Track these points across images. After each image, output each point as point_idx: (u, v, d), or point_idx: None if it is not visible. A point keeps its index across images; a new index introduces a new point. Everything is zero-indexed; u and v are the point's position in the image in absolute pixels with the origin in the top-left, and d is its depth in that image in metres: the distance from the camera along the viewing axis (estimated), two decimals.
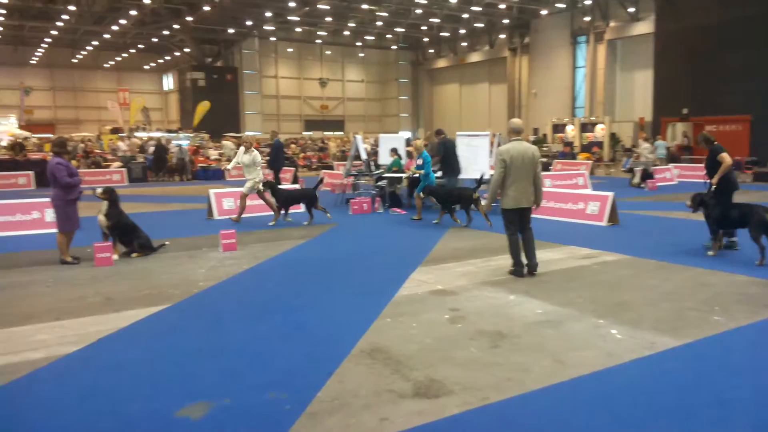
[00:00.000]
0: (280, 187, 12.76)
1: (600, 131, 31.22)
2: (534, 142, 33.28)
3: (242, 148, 12.69)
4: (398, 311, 6.08)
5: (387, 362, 4.74)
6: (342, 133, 51.39)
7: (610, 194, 11.76)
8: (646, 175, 18.42)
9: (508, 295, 6.59)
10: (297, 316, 5.96)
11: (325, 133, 49.30)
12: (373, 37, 50.89)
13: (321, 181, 13.34)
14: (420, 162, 12.23)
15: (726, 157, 8.63)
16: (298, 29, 46.75)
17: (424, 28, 47.05)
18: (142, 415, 3.90)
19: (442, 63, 53.97)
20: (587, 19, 38.05)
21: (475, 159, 14.09)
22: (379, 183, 14.38)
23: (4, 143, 28.15)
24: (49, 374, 4.60)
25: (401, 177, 13.71)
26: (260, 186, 12.05)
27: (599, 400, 4.07)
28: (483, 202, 8.94)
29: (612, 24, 36.96)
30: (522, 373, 4.49)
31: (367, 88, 59.47)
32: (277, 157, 16.00)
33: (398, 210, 13.69)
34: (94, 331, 5.55)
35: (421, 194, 12.26)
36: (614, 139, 32.06)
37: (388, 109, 59.62)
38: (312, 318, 5.92)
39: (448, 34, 49.12)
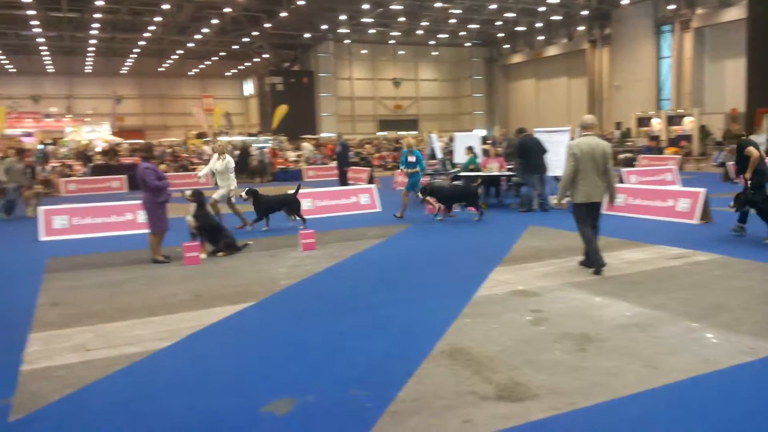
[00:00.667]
0: (261, 194, 11.96)
1: (688, 124, 29.61)
2: (620, 137, 32.02)
3: (215, 155, 12.08)
4: (478, 312, 5.99)
5: (468, 363, 4.67)
6: (416, 132, 51.40)
7: (702, 190, 11.13)
8: None
9: (593, 297, 6.36)
10: (376, 315, 6.00)
11: (399, 132, 49.50)
12: (446, 35, 50.59)
13: (300, 187, 12.41)
14: (413, 159, 12.49)
15: (753, 151, 8.62)
16: (372, 30, 47.15)
17: (498, 23, 46.31)
18: (230, 409, 4.04)
19: (517, 58, 52.92)
20: (672, 7, 36.21)
21: (555, 156, 13.68)
22: (455, 182, 14.24)
23: (99, 149, 29.99)
24: (144, 368, 4.85)
25: (477, 175, 13.54)
26: (242, 193, 11.51)
27: (696, 408, 3.85)
28: (554, 200, 8.67)
29: (699, 11, 35.00)
30: (611, 378, 4.31)
31: (440, 87, 59.22)
32: (344, 157, 16.16)
33: (474, 209, 13.51)
34: (184, 327, 5.80)
35: (420, 194, 12.48)
36: (704, 132, 30.29)
37: (463, 107, 59.10)
38: (391, 316, 5.94)
39: (523, 29, 48.12)
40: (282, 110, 42.54)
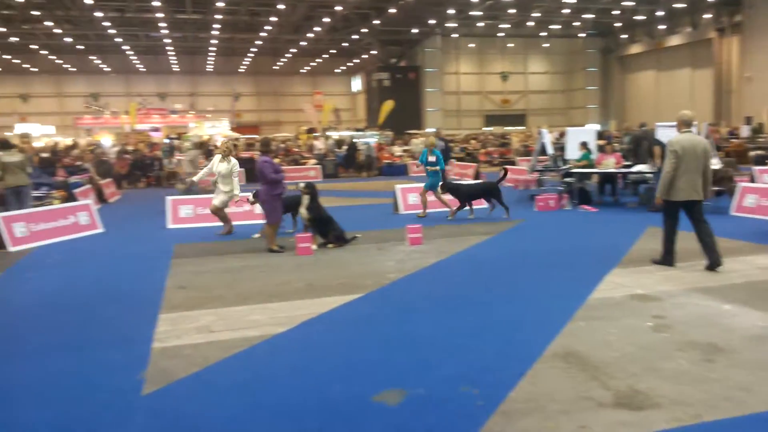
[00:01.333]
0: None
1: None
2: (750, 133, 29.50)
3: (217, 156, 11.04)
4: (593, 315, 5.75)
5: (583, 367, 4.50)
6: (524, 127, 50.15)
7: None
8: None
9: (721, 305, 5.90)
10: (486, 313, 5.93)
11: (506, 128, 48.50)
12: (558, 26, 48.84)
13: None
14: (433, 159, 12.11)
15: None
16: (480, 24, 46.47)
17: (615, 12, 44.02)
18: (343, 396, 4.15)
19: (635, 49, 50.09)
20: None
21: None
22: (567, 179, 13.76)
23: (218, 143, 31.81)
24: (263, 351, 5.10)
25: (591, 172, 12.98)
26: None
27: None
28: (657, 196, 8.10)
29: None
30: (743, 392, 3.99)
31: (551, 80, 57.33)
32: (444, 153, 15.92)
33: (588, 207, 12.98)
34: (299, 314, 6.04)
35: (439, 190, 12.16)
36: None
37: (574, 101, 56.85)
38: (502, 315, 5.84)
39: (643, 17, 45.43)
40: (388, 105, 43.03)
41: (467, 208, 12.20)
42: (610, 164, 13.51)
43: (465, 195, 12.17)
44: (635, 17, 45.51)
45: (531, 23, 46.62)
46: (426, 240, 9.67)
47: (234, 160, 11.08)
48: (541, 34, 51.42)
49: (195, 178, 12.46)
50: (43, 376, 4.66)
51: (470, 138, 35.71)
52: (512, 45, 55.12)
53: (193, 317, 6.06)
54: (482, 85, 55.82)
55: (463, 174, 21.24)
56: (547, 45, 55.23)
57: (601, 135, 15.43)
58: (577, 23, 48.05)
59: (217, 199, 10.96)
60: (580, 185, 13.58)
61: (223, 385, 4.40)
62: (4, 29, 36.63)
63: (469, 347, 5.01)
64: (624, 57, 52.27)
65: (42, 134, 42.36)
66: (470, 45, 53.93)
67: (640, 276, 7.14)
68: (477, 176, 18.98)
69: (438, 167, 12.13)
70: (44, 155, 21.75)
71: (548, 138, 15.62)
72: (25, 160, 11.72)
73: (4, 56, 47.50)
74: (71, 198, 13.96)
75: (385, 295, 6.73)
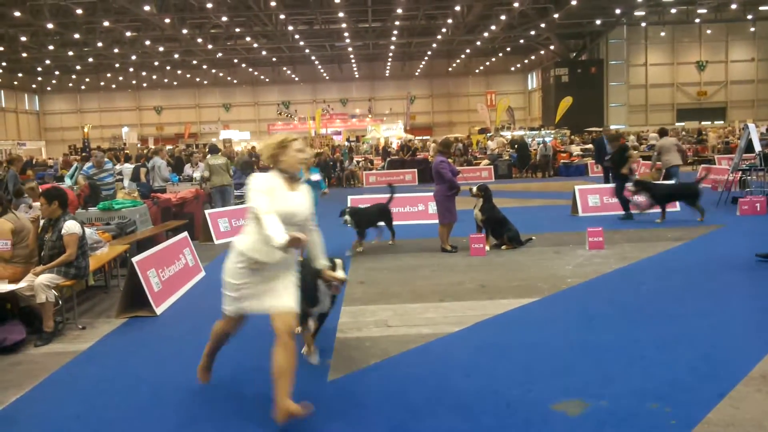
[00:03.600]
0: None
1: None
2: None
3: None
4: None
5: None
6: (722, 122, 45.03)
7: None
8: None
9: None
10: (678, 325, 5.43)
11: (703, 122, 43.90)
12: None
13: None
14: (316, 178, 9.14)
15: None
16: (673, 10, 42.55)
17: None
18: (521, 400, 4.07)
19: None
20: None
21: None
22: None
23: (394, 146, 32.96)
24: (437, 348, 5.19)
25: None
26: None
27: None
28: None
29: None
30: None
31: (758, 68, 50.70)
32: (600, 151, 14.63)
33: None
34: (472, 314, 6.04)
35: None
36: None
37: None
38: (696, 329, 5.31)
39: None
40: (566, 103, 41.24)
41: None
42: None
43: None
44: None
45: (734, 5, 41.65)
46: (608, 244, 9.12)
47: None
48: (748, 17, 45.68)
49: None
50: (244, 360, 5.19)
51: None
52: (710, 31, 49.71)
53: (372, 311, 6.35)
54: (674, 76, 51.08)
55: (646, 174, 19.68)
56: (754, 29, 48.92)
57: None
58: None
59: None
60: None
61: (400, 378, 4.56)
62: (212, 46, 41.43)
63: (657, 361, 4.63)
64: None
65: (240, 139, 47.33)
66: (661, 33, 49.63)
67: None
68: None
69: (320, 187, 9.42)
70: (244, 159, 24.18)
71: (756, 133, 13.83)
72: (228, 162, 13.17)
73: (211, 70, 53.77)
74: None
75: (563, 300, 6.48)
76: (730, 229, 10.33)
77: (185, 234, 8.53)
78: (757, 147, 13.06)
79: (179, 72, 53.92)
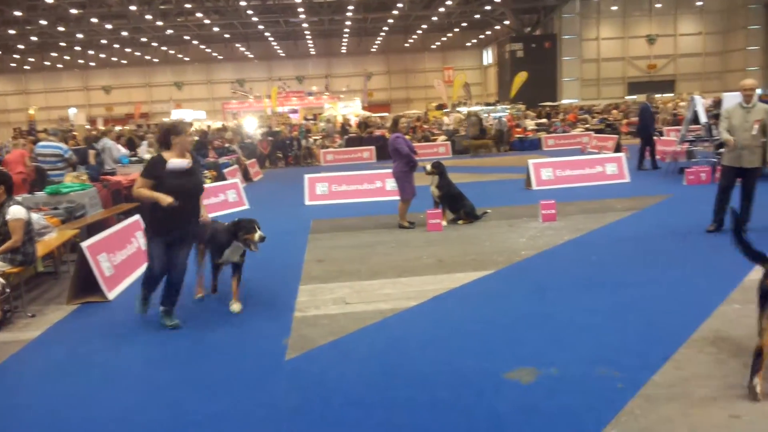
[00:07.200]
0: None
1: None
2: None
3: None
4: (750, 297, 5.20)
5: (736, 353, 4.16)
6: (672, 94, 46.20)
7: None
8: None
9: None
10: (626, 293, 5.63)
11: (656, 95, 44.86)
12: None
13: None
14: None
15: None
16: None
17: None
18: (475, 370, 4.17)
19: None
20: None
21: None
22: (722, 149, 12.49)
23: (352, 123, 32.74)
24: (395, 323, 5.25)
25: None
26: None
27: None
28: None
29: None
30: None
31: (705, 41, 52.09)
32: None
33: None
34: (429, 289, 6.12)
35: None
36: None
37: (732, 64, 51.27)
38: (644, 296, 5.51)
39: None
40: (521, 77, 41.59)
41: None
42: None
43: None
44: None
45: None
46: (560, 216, 9.33)
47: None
48: None
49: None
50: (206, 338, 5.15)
51: (611, 108, 33.60)
52: (660, 5, 50.70)
53: (330, 289, 6.36)
54: (625, 50, 52.03)
55: (602, 147, 20.15)
56: (701, 3, 50.16)
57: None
58: None
59: None
60: None
61: (358, 354, 4.60)
62: (162, 23, 40.12)
63: (607, 328, 4.80)
64: None
65: (194, 119, 46.24)
66: (613, 8, 50.40)
67: None
68: (618, 149, 17.86)
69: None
70: (196, 138, 23.66)
71: (701, 106, 14.26)
72: None
73: (161, 48, 52.17)
74: (221, 177, 15.13)
75: (518, 273, 6.62)
76: (677, 198, 10.70)
77: (137, 217, 8.33)
78: (703, 119, 13.48)
79: (128, 50, 52.10)
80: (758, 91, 8.45)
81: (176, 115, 43.58)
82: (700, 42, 52.23)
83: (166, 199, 4.96)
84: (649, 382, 3.83)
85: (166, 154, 5.19)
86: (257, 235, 5.65)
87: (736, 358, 4.09)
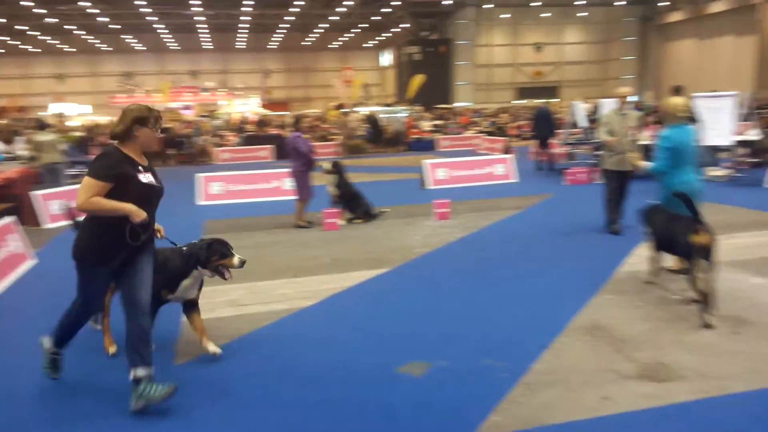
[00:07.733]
0: None
1: None
2: None
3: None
4: (620, 288, 5.71)
5: (608, 340, 4.50)
6: (557, 99, 49.10)
7: None
8: None
9: (750, 278, 5.80)
10: (512, 287, 5.94)
11: (537, 101, 47.51)
12: None
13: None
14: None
15: None
16: None
17: None
18: (369, 367, 4.24)
19: (676, 16, 48.29)
20: None
21: (717, 123, 12.43)
22: (599, 152, 13.47)
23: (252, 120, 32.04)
24: (291, 323, 5.22)
25: None
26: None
27: None
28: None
29: None
30: None
31: (587, 50, 55.82)
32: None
33: None
34: (325, 288, 6.14)
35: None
36: None
37: (611, 72, 55.30)
38: (528, 290, 5.84)
39: None
40: (418, 80, 42.58)
41: None
42: (644, 137, 13.18)
43: None
44: None
45: None
46: (453, 215, 9.67)
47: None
48: (578, 2, 50.00)
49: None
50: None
51: (499, 112, 35.21)
52: (548, 14, 53.76)
53: (224, 291, 6.19)
54: (515, 57, 54.71)
55: (491, 149, 21.04)
56: (585, 14, 53.72)
57: (637, 106, 14.98)
58: None
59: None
60: None
61: (251, 356, 4.53)
62: (43, 10, 37.27)
63: (494, 321, 5.04)
64: (663, 25, 50.53)
65: (79, 113, 43.29)
66: (504, 15, 52.77)
67: None
68: (507, 151, 18.75)
69: None
70: (79, 134, 22.24)
71: (581, 110, 15.30)
72: (58, 138, 12.02)
73: (41, 37, 48.43)
74: None
75: (412, 270, 6.78)
76: (559, 197, 11.41)
77: (12, 218, 7.72)
78: (581, 123, 14.46)
79: (4, 39, 47.87)
80: (633, 98, 9.23)
81: (56, 109, 40.55)
82: (583, 51, 55.92)
83: (139, 214, 3.72)
84: (530, 370, 4.07)
85: (125, 149, 3.86)
86: (236, 259, 4.55)
87: (609, 344, 4.43)
